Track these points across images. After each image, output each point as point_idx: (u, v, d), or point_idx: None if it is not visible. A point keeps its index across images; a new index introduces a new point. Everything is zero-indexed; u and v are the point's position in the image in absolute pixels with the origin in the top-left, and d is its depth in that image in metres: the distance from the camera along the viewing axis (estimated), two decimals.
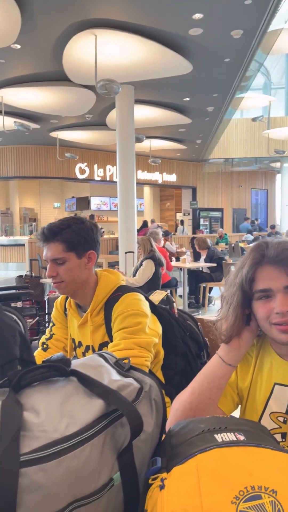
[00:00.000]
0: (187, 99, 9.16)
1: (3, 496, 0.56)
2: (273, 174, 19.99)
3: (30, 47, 6.54)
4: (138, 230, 11.24)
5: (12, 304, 4.14)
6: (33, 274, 5.60)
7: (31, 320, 4.12)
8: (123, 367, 0.84)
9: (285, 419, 0.98)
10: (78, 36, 5.94)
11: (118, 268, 7.93)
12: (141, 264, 4.73)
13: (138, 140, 9.03)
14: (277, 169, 18.60)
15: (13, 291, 4.37)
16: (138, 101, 8.62)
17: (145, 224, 11.59)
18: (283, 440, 0.98)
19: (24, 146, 13.27)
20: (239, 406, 1.10)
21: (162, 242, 6.87)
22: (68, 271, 1.33)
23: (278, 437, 0.99)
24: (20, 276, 5.55)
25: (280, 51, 9.78)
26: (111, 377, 0.77)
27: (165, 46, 6.30)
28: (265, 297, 0.95)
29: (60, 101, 8.83)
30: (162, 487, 0.62)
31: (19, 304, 4.35)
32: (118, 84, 5.85)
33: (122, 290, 1.37)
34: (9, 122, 9.36)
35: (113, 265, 8.37)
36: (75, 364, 0.80)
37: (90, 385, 0.73)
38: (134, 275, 4.79)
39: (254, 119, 11.63)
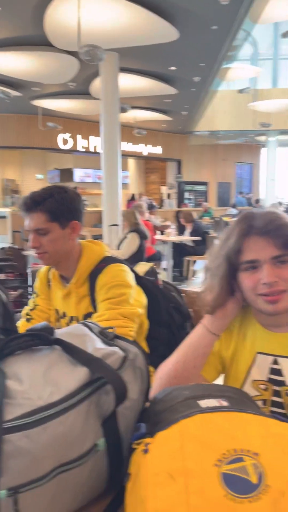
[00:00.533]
0: (173, 68, 8.95)
1: None
2: (258, 148, 19.89)
3: (10, 9, 6.25)
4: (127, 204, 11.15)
5: None
6: (16, 246, 5.53)
7: (14, 292, 4.09)
8: (108, 336, 0.84)
9: (266, 386, 1.00)
10: None
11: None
12: (125, 237, 4.71)
13: (123, 110, 8.84)
14: (262, 143, 18.52)
15: None
16: (123, 70, 8.38)
17: (133, 197, 11.50)
18: (264, 406, 1.01)
19: (5, 115, 12.85)
20: (221, 374, 1.12)
21: (147, 215, 6.84)
22: (51, 241, 1.31)
23: (259, 403, 1.01)
24: (2, 248, 5.48)
25: (268, 20, 9.56)
26: (95, 346, 0.77)
27: (151, 11, 6.08)
28: (252, 268, 0.95)
29: (42, 67, 8.52)
30: (146, 451, 0.63)
31: (2, 276, 4.32)
32: (102, 50, 5.66)
33: (106, 261, 1.36)
34: None
35: (97, 238, 8.31)
36: (59, 333, 0.79)
37: (74, 353, 0.73)
38: (118, 248, 4.78)
39: (240, 91, 11.48)
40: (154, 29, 6.67)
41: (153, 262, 5.97)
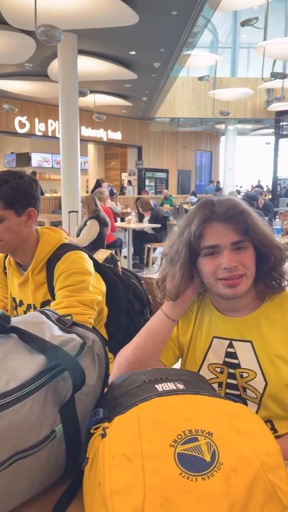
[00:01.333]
0: (133, 52, 8.84)
1: None
2: (217, 136, 20.14)
3: None
4: (92, 190, 10.99)
5: None
6: None
7: None
8: (66, 323, 0.84)
9: (222, 369, 1.04)
10: None
11: (61, 228, 7.77)
12: (85, 224, 4.66)
13: (82, 94, 8.66)
14: (221, 131, 18.76)
15: None
16: (81, 52, 8.19)
17: (98, 183, 11.33)
18: (220, 388, 1.05)
19: None
20: (180, 359, 1.15)
21: (109, 201, 6.79)
22: (7, 229, 1.27)
23: (215, 386, 1.05)
24: None
25: (227, 8, 9.60)
26: (53, 333, 0.77)
27: None
28: (212, 254, 0.97)
29: None
30: (103, 435, 0.64)
31: None
32: (60, 31, 5.50)
33: (64, 248, 1.34)
34: None
35: (56, 225, 8.16)
36: (16, 321, 0.78)
37: (31, 341, 0.72)
38: (78, 235, 4.72)
39: (200, 78, 11.51)
40: (113, 11, 6.54)
41: (113, 249, 5.96)
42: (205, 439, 0.61)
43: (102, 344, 0.81)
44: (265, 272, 1.00)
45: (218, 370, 1.04)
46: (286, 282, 1.01)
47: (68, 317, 0.86)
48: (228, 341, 1.03)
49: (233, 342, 1.02)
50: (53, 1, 6.05)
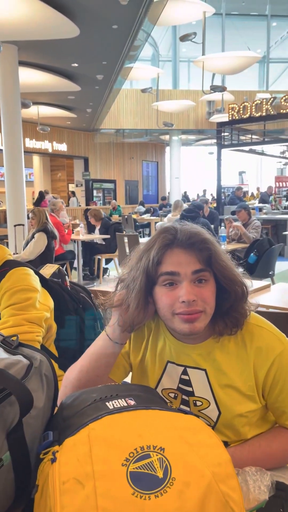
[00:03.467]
0: (75, 65, 8.84)
1: None
2: (162, 147, 20.53)
3: None
4: (36, 203, 10.76)
5: None
6: None
7: None
8: (11, 345, 0.81)
9: (176, 394, 1.01)
10: None
11: (7, 243, 7.55)
12: (32, 237, 4.55)
13: (25, 105, 8.53)
14: (166, 142, 19.15)
15: None
16: (23, 63, 8.07)
17: (41, 195, 11.11)
18: None
19: None
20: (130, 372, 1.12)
21: (64, 213, 6.68)
22: None
23: None
24: None
25: (166, 22, 9.90)
26: None
27: (49, 6, 5.93)
28: (170, 284, 0.90)
29: None
30: (53, 460, 0.62)
31: None
32: None
33: (9, 265, 1.30)
34: None
35: (1, 239, 7.94)
36: None
37: None
38: (24, 249, 4.60)
39: (143, 90, 11.72)
40: (53, 23, 6.52)
41: (63, 262, 5.86)
42: (157, 455, 0.60)
43: (49, 364, 0.79)
44: (225, 310, 0.94)
45: (172, 395, 1.01)
46: (245, 319, 0.95)
47: (14, 338, 0.83)
48: (183, 368, 0.99)
49: (188, 369, 0.98)
50: None
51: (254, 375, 0.94)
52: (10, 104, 7.51)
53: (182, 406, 0.99)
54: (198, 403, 0.97)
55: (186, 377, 0.99)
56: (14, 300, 1.23)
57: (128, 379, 1.12)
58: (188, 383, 0.98)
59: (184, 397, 0.99)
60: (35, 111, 11.71)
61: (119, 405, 0.70)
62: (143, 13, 6.41)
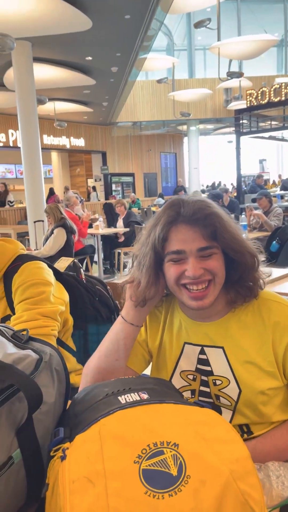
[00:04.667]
0: (90, 58, 8.79)
1: None
2: (180, 137, 20.33)
3: None
4: (46, 199, 10.85)
5: None
6: None
7: None
8: (21, 339, 0.79)
9: (194, 376, 0.99)
10: None
11: (27, 239, 7.62)
12: (51, 233, 4.57)
13: (41, 102, 8.54)
14: (184, 132, 18.95)
15: None
16: (37, 59, 8.08)
17: (51, 191, 11.19)
18: (193, 396, 0.99)
19: None
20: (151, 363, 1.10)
21: (78, 207, 6.69)
22: None
23: (188, 394, 1.00)
24: None
25: (180, 10, 9.72)
26: (6, 351, 0.72)
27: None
28: (177, 260, 0.90)
29: None
30: (63, 457, 0.60)
31: None
32: (12, 39, 5.41)
33: (21, 260, 1.28)
34: None
35: (23, 235, 8.02)
36: None
37: None
38: (44, 245, 4.62)
39: (159, 81, 11.60)
40: (66, 17, 6.49)
41: (83, 256, 5.88)
42: (171, 452, 0.57)
43: (59, 358, 0.76)
44: (236, 279, 0.93)
45: (191, 377, 0.99)
46: (260, 288, 0.95)
47: (24, 332, 0.81)
48: (200, 348, 0.98)
49: (205, 349, 0.97)
50: (4, 9, 5.94)
51: (273, 351, 0.92)
52: (26, 101, 7.53)
53: (201, 388, 0.98)
54: (218, 382, 0.95)
55: (204, 357, 0.97)
56: (28, 295, 1.21)
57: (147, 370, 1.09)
58: (206, 362, 0.97)
59: (203, 377, 0.98)
60: (51, 107, 11.74)
61: (131, 399, 0.67)
62: (156, 1, 6.31)
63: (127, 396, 0.68)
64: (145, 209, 10.06)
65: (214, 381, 0.96)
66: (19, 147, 7.76)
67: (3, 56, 7.43)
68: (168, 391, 0.75)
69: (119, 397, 0.68)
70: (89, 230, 6.29)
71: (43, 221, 6.82)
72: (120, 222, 6.81)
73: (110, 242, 6.67)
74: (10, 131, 13.36)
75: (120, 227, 6.79)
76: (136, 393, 0.69)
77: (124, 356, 0.98)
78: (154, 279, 0.94)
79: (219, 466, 0.56)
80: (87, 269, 6.10)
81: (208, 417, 0.64)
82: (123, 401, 0.67)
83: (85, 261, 6.10)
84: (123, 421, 0.63)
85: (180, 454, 0.57)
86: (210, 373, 0.96)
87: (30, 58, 7.60)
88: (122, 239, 6.58)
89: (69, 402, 0.77)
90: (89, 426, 0.63)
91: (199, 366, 0.98)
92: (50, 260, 1.45)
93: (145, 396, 0.68)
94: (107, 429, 0.61)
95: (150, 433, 0.60)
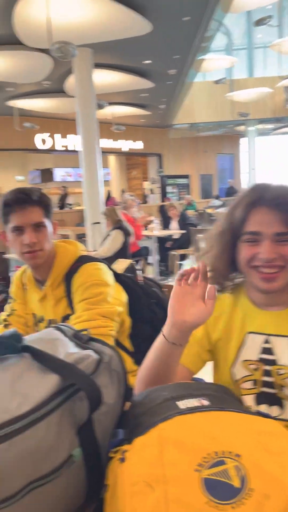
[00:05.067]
0: (148, 61, 8.87)
1: None
2: (238, 138, 19.93)
3: None
4: (105, 202, 11.06)
5: None
6: None
7: None
8: (82, 339, 0.80)
9: (257, 366, 0.97)
10: None
11: (85, 241, 7.82)
12: (108, 235, 4.65)
13: (100, 106, 8.74)
14: (241, 133, 18.56)
15: None
16: (97, 65, 8.28)
17: (109, 194, 11.43)
18: (255, 387, 0.98)
19: None
20: (208, 362, 1.08)
21: (134, 210, 6.76)
22: (47, 237, 1.26)
23: (249, 384, 0.98)
24: None
25: (239, 9, 9.53)
26: (67, 351, 0.73)
27: (122, 4, 6.01)
28: (252, 241, 0.91)
29: (15, 67, 8.37)
30: (122, 460, 0.60)
31: None
32: (74, 46, 5.57)
33: (81, 261, 1.31)
34: None
35: (81, 237, 8.24)
36: (29, 339, 0.75)
37: (45, 360, 0.69)
38: (101, 246, 4.72)
39: (217, 82, 11.46)
40: (126, 22, 6.59)
41: (139, 258, 5.93)
42: (233, 462, 0.55)
43: (119, 359, 0.77)
44: None
45: (253, 367, 0.98)
46: None
47: (85, 332, 0.82)
48: (264, 337, 0.97)
49: (270, 338, 0.96)
50: (66, 17, 6.15)
51: None
52: (86, 107, 7.74)
53: (264, 378, 0.96)
54: (281, 372, 0.94)
55: (268, 346, 0.96)
56: (87, 295, 1.24)
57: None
58: (270, 351, 0.96)
59: (266, 367, 0.96)
60: (110, 111, 11.98)
61: (191, 405, 0.66)
62: (215, 1, 6.24)
63: (187, 402, 0.67)
64: (200, 211, 9.96)
65: (278, 370, 0.94)
66: (79, 151, 7.99)
67: (64, 64, 7.69)
68: (228, 397, 0.73)
69: (178, 402, 0.67)
70: (144, 232, 6.33)
71: (100, 223, 6.96)
72: (173, 225, 6.80)
73: (165, 244, 6.68)
74: (70, 136, 13.80)
75: (173, 230, 6.78)
76: (196, 399, 0.68)
77: (171, 372, 0.94)
78: (227, 258, 0.96)
79: (285, 480, 0.53)
80: (142, 271, 6.14)
81: (272, 427, 0.62)
82: (182, 406, 0.66)
83: (141, 263, 6.16)
84: (183, 426, 0.62)
85: (242, 465, 0.55)
86: (274, 362, 0.95)
87: (90, 64, 7.81)
88: (169, 244, 6.58)
89: (127, 403, 0.77)
90: (148, 430, 0.62)
91: (262, 356, 0.97)
92: (108, 262, 1.47)
93: (205, 402, 0.67)
94: (167, 434, 0.60)
95: (211, 441, 0.58)
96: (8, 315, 1.44)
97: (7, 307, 1.47)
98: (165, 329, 0.91)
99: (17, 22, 6.40)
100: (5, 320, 1.44)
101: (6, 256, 4.97)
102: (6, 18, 6.36)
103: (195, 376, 1.59)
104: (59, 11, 5.85)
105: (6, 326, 1.42)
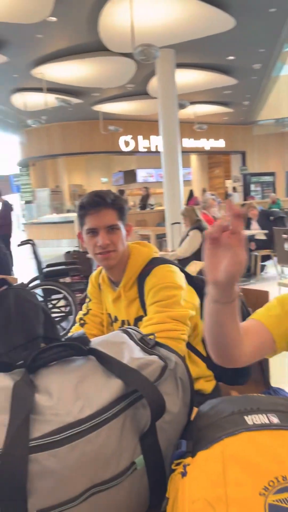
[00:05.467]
0: (232, 57, 8.67)
1: (12, 483, 0.53)
2: None
3: (66, 18, 6.43)
4: (186, 202, 11.04)
5: (61, 280, 4.23)
6: (81, 250, 5.67)
7: (80, 294, 4.19)
8: (148, 344, 0.79)
9: None
10: (111, 1, 5.74)
11: (165, 241, 7.87)
12: (187, 235, 4.62)
13: (182, 106, 8.74)
14: None
15: (62, 267, 4.47)
16: (179, 65, 8.28)
17: (191, 194, 11.36)
18: None
19: (68, 123, 13.32)
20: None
21: (215, 209, 6.65)
22: (121, 239, 1.29)
23: None
24: (68, 252, 5.66)
25: None
26: (132, 355, 0.72)
27: (204, 2, 5.93)
28: None
29: (100, 72, 8.69)
30: (184, 474, 0.58)
31: (68, 279, 4.44)
32: (156, 48, 5.62)
33: (154, 263, 1.31)
34: (51, 99, 9.38)
35: (161, 237, 8.31)
36: (96, 341, 0.76)
37: (109, 364, 0.69)
38: (180, 246, 4.70)
39: None
40: (209, 20, 6.51)
41: None
42: None
43: (185, 367, 0.74)
44: None
45: None
46: None
47: (151, 337, 0.81)
48: None
49: None
50: (149, 20, 6.23)
51: None
52: (168, 108, 7.79)
53: None
54: None
55: None
56: (159, 297, 1.23)
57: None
58: None
59: None
60: (191, 111, 11.92)
61: (259, 422, 0.61)
62: None
63: (255, 417, 0.63)
64: (286, 210, 9.50)
65: None
66: (160, 152, 8.06)
67: (147, 66, 7.81)
68: None
69: (246, 417, 0.63)
70: None
71: (179, 223, 6.95)
72: (254, 225, 6.56)
73: (246, 245, 6.47)
74: (152, 137, 13.98)
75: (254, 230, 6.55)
76: (264, 415, 0.63)
77: (228, 332, 0.86)
78: None
79: None
80: None
81: None
82: (249, 422, 0.62)
83: None
84: (249, 445, 0.58)
85: None
86: None
87: (173, 65, 7.84)
88: (253, 246, 6.34)
89: (194, 412, 0.75)
90: (212, 444, 0.60)
91: None
92: (185, 262, 1.45)
93: (274, 419, 0.62)
94: (231, 451, 0.57)
95: (279, 464, 0.54)
96: (84, 314, 1.48)
97: (84, 306, 1.52)
98: (207, 289, 0.85)
99: (102, 29, 6.63)
100: (81, 319, 1.48)
101: (89, 255, 5.12)
102: (93, 26, 6.62)
103: (275, 385, 1.51)
104: (142, 15, 5.95)
105: (82, 325, 1.47)
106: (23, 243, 4.43)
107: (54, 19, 6.33)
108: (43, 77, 8.63)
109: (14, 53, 7.60)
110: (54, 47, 7.54)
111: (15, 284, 1.22)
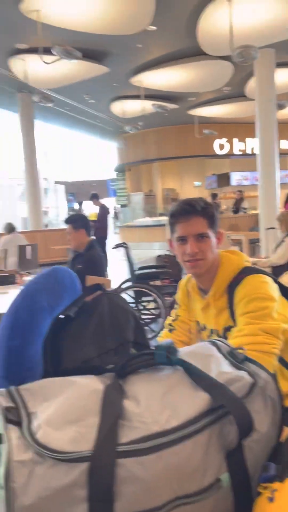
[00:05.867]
0: None
1: (101, 484, 0.56)
2: None
3: (165, 27, 6.55)
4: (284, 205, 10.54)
5: (151, 282, 4.31)
6: (171, 254, 5.72)
7: (170, 298, 4.22)
8: (237, 358, 0.77)
9: None
10: (211, 5, 5.71)
11: (258, 246, 7.60)
12: (282, 241, 4.41)
13: (281, 107, 8.39)
14: None
15: (153, 270, 4.55)
16: (280, 64, 7.96)
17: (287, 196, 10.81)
18: None
19: (163, 128, 13.54)
20: None
21: None
22: (210, 248, 1.29)
23: None
24: (160, 256, 5.74)
25: None
26: (220, 369, 0.71)
27: None
28: None
29: (197, 77, 8.70)
30: (271, 499, 0.55)
31: (158, 282, 4.51)
32: (255, 49, 5.48)
33: (245, 272, 1.27)
34: (148, 105, 9.62)
35: (254, 242, 8.04)
36: (184, 351, 0.76)
37: (196, 377, 0.69)
38: (274, 253, 4.50)
39: None
40: None
41: None
42: None
43: (275, 386, 0.71)
44: None
45: None
46: None
47: (241, 351, 0.79)
48: None
49: None
50: (248, 21, 6.10)
51: None
52: (265, 109, 7.54)
53: None
54: None
55: None
56: (250, 308, 1.19)
57: None
58: None
59: None
60: None
61: None
62: None
63: None
64: None
65: None
66: (256, 154, 7.83)
67: (245, 67, 7.64)
68: None
69: None
70: None
71: (275, 228, 6.67)
72: None
73: None
74: (248, 139, 13.63)
75: None
76: None
77: None
78: None
79: None
80: None
81: None
82: None
83: None
84: None
85: None
86: None
87: (272, 65, 7.57)
88: None
89: (285, 432, 0.71)
90: None
91: None
92: (279, 270, 1.39)
93: None
94: None
95: None
96: (173, 320, 1.50)
97: (173, 312, 1.53)
98: None
99: (200, 34, 6.64)
100: (170, 325, 1.50)
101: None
102: (191, 31, 6.66)
103: None
104: (241, 16, 5.84)
105: (170, 330, 1.48)
106: (118, 246, 4.59)
107: (153, 28, 6.48)
108: (141, 85, 8.88)
109: (115, 63, 7.93)
110: (152, 55, 7.73)
111: (108, 290, 1.27)
